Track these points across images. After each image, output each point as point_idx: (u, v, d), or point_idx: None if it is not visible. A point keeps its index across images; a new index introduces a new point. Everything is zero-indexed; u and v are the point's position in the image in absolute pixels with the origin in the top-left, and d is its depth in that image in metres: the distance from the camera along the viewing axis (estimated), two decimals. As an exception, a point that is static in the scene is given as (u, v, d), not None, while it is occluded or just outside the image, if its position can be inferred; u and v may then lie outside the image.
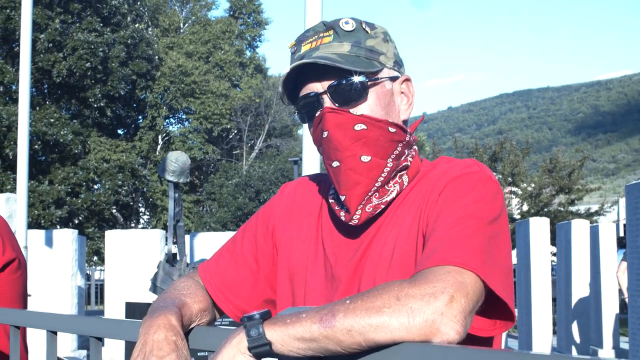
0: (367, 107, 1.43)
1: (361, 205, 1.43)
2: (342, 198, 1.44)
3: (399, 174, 1.46)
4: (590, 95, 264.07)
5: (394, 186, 1.45)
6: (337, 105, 1.43)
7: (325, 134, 1.43)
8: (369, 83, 1.44)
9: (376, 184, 1.43)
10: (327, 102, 1.44)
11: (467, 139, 29.21)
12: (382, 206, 1.44)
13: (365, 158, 1.41)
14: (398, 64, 1.51)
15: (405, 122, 1.51)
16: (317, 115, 1.44)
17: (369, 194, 1.43)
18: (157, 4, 36.57)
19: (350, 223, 1.45)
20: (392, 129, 1.43)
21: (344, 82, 1.42)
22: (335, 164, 1.43)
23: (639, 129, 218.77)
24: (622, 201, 26.98)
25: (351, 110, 1.42)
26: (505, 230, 1.35)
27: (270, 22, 42.13)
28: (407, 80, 1.53)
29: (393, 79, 1.49)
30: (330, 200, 1.52)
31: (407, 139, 1.46)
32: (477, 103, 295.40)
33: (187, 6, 40.08)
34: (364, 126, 1.41)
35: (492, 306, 1.25)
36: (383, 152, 1.42)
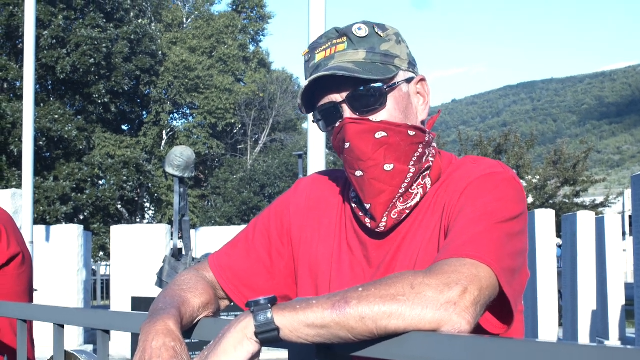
0: (387, 113, 1.43)
1: (386, 213, 1.44)
2: (367, 206, 1.45)
3: (421, 175, 1.47)
4: (594, 86, 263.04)
5: (417, 189, 1.46)
6: (357, 114, 1.43)
7: (347, 145, 1.43)
8: (386, 89, 1.43)
9: (400, 190, 1.43)
10: (347, 111, 1.43)
11: (471, 132, 29.12)
12: (407, 211, 1.45)
13: (388, 167, 1.42)
14: (412, 64, 1.50)
15: (422, 122, 1.51)
16: (337, 125, 1.44)
17: (394, 200, 1.44)
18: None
19: (377, 230, 1.45)
20: (411, 132, 1.43)
21: (362, 90, 1.42)
22: (359, 173, 1.43)
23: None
24: (628, 192, 26.92)
25: (371, 118, 1.42)
26: (523, 231, 1.35)
27: (274, 16, 42.07)
28: (422, 80, 1.52)
29: (409, 80, 1.49)
30: (353, 205, 1.52)
31: (427, 139, 1.46)
32: (481, 95, 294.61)
33: (190, 1, 40.04)
34: (384, 133, 1.41)
35: (494, 302, 1.23)
36: (405, 157, 1.43)
